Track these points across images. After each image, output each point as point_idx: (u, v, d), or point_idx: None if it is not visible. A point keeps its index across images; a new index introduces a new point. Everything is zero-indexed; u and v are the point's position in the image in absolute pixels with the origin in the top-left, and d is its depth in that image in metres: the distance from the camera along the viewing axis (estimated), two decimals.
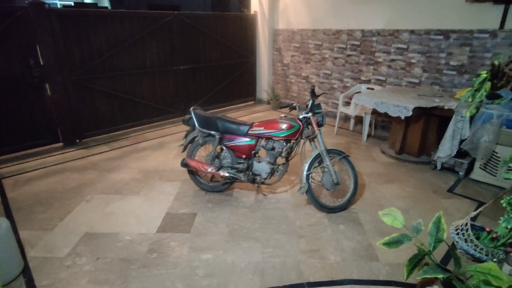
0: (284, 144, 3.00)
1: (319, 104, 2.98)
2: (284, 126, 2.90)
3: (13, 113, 4.18)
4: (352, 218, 2.92)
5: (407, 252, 2.43)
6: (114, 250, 2.51)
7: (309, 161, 2.89)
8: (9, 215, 2.99)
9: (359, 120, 5.25)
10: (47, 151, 4.46)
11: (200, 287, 2.15)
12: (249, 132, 3.02)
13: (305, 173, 2.86)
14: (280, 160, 3.09)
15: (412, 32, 4.51)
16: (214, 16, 5.95)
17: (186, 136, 3.31)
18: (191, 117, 3.22)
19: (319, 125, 2.97)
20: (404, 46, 4.64)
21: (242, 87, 6.79)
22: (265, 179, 3.06)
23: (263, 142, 3.07)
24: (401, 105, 3.61)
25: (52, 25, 4.20)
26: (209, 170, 3.08)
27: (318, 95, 3.00)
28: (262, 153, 3.11)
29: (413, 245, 1.67)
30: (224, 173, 3.06)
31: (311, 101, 2.93)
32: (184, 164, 3.20)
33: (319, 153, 2.92)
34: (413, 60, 4.59)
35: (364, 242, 2.59)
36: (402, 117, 3.62)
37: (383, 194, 3.33)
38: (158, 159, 4.20)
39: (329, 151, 2.95)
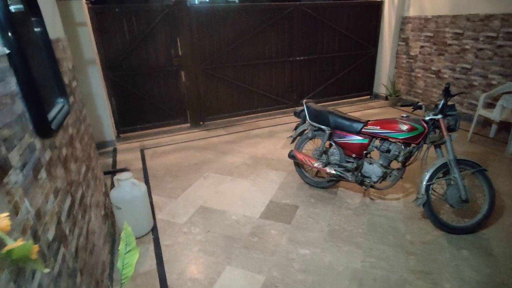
0: (402, 147, 2.69)
1: (454, 105, 2.54)
2: (404, 127, 2.60)
3: (156, 96, 5.01)
4: (480, 245, 2.43)
5: None
6: (222, 226, 2.76)
7: (431, 170, 2.52)
8: (146, 180, 3.63)
9: (503, 126, 4.28)
10: (177, 130, 5.21)
11: (294, 280, 2.17)
12: (363, 130, 2.82)
13: (424, 183, 2.52)
14: (395, 164, 2.79)
15: None
16: (336, 5, 5.72)
17: (296, 128, 3.33)
18: (303, 110, 3.21)
19: (451, 130, 2.54)
20: None
21: (358, 80, 6.40)
22: (375, 182, 2.84)
23: (377, 142, 2.83)
24: None
25: (190, 20, 4.80)
26: (316, 164, 3.04)
27: (454, 95, 2.56)
28: (375, 154, 2.87)
29: None
30: (331, 170, 2.96)
31: (443, 101, 2.52)
32: (291, 156, 3.25)
33: (446, 162, 2.51)
34: None
35: (496, 278, 2.13)
36: None
37: None
38: (267, 147, 4.39)
39: (459, 161, 2.51)
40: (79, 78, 4.22)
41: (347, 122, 2.92)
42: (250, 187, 3.40)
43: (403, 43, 5.93)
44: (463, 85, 4.96)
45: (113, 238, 2.59)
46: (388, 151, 2.75)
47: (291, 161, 3.57)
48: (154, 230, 2.76)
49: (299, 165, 3.40)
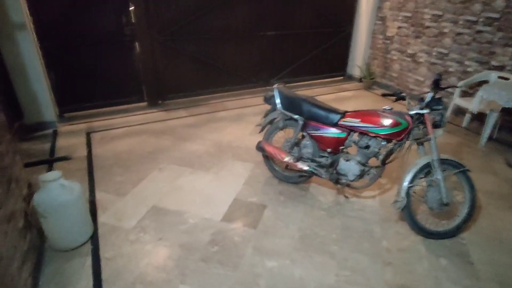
0: (383, 143, 2.40)
1: (441, 98, 2.26)
2: (387, 122, 2.29)
3: (106, 70, 4.33)
4: (459, 252, 2.27)
5: None
6: (177, 232, 2.37)
7: (413, 171, 2.27)
8: (90, 172, 3.10)
9: (477, 116, 4.17)
10: (132, 109, 4.60)
11: None
12: (340, 123, 2.49)
13: (406, 184, 2.27)
14: (374, 162, 2.52)
15: None
16: None
17: (265, 116, 2.94)
18: (274, 96, 2.80)
19: (436, 126, 2.28)
20: None
21: (331, 60, 6.05)
22: (351, 181, 2.55)
23: (355, 137, 2.52)
24: None
25: None
26: (286, 159, 2.69)
27: (444, 88, 2.28)
28: (353, 149, 2.57)
29: None
30: (303, 166, 2.63)
31: (431, 93, 2.23)
32: (259, 148, 2.87)
33: (429, 162, 2.27)
34: None
35: None
36: None
37: (506, 224, 2.53)
38: (234, 133, 3.97)
39: (442, 161, 2.27)
40: (5, 46, 3.48)
41: (322, 113, 2.57)
42: (213, 181, 3.00)
43: (380, 23, 5.61)
44: (438, 71, 4.78)
45: (38, 252, 2.11)
46: (367, 146, 2.45)
47: None
48: (94, 237, 2.31)
49: (268, 157, 3.04)
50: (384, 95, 2.55)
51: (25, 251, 1.86)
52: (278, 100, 2.72)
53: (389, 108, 2.39)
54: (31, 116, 3.84)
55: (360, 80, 6.00)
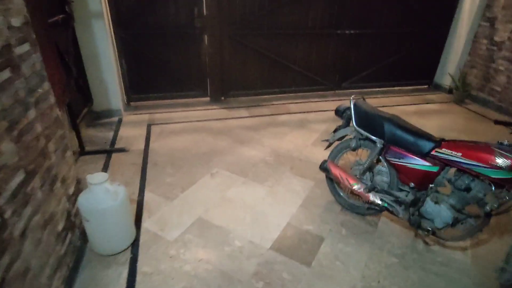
0: (492, 189, 1.81)
1: None
2: (504, 162, 1.70)
3: (173, 61, 4.28)
4: None
5: None
6: (220, 254, 2.11)
7: None
8: (144, 168, 3.02)
9: None
10: (194, 104, 4.51)
11: None
12: (433, 153, 1.95)
13: None
14: (473, 209, 1.94)
15: None
16: None
17: (335, 130, 2.51)
18: (348, 109, 2.36)
19: None
20: None
21: (416, 65, 5.24)
22: (438, 229, 2.01)
23: (451, 173, 1.97)
24: None
25: None
26: (356, 187, 2.24)
27: None
28: (446, 188, 2.02)
29: None
30: (376, 199, 2.16)
31: None
32: (324, 168, 2.46)
33: None
34: None
35: None
36: None
37: None
38: (295, 141, 3.59)
39: None
40: (81, 34, 3.57)
41: (410, 138, 2.05)
42: (266, 197, 2.69)
43: (487, 24, 4.65)
44: None
45: (77, 254, 2.02)
46: (468, 189, 1.88)
47: None
48: (135, 245, 2.17)
49: (332, 179, 2.61)
50: (498, 123, 1.95)
51: (61, 256, 1.77)
52: (353, 116, 2.28)
53: (507, 143, 1.79)
54: (100, 103, 3.95)
55: (450, 91, 5.11)
